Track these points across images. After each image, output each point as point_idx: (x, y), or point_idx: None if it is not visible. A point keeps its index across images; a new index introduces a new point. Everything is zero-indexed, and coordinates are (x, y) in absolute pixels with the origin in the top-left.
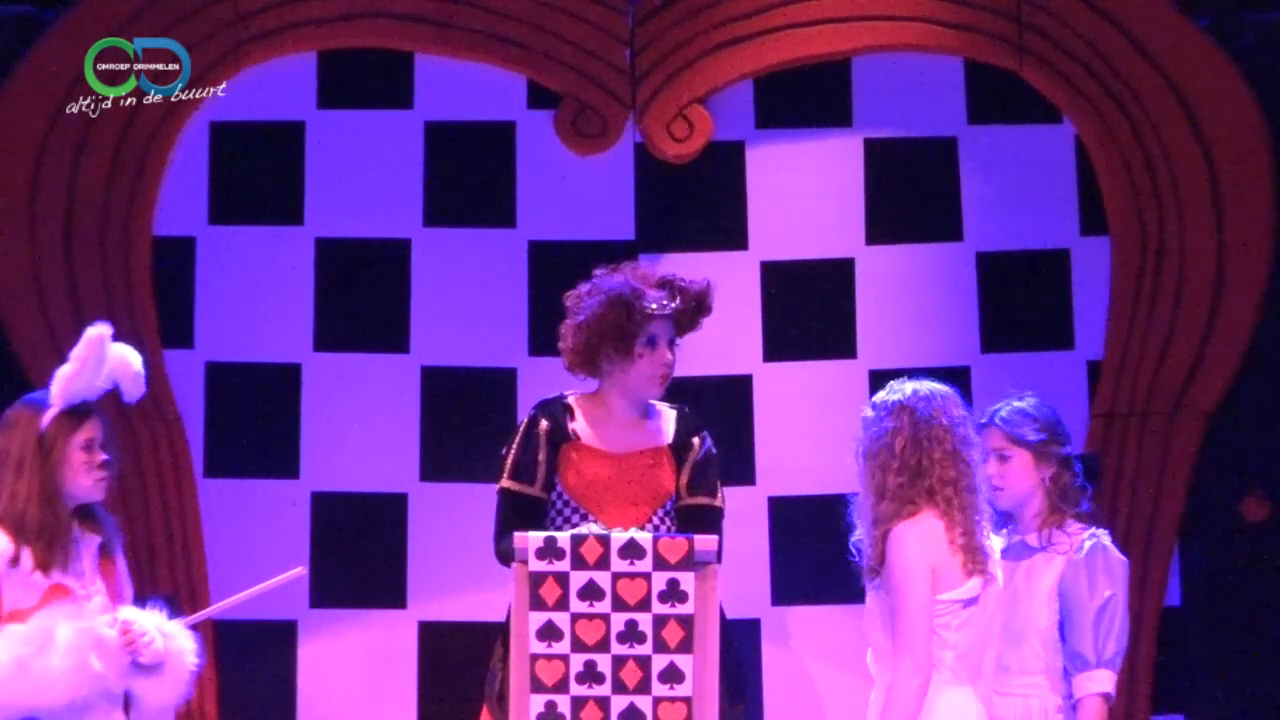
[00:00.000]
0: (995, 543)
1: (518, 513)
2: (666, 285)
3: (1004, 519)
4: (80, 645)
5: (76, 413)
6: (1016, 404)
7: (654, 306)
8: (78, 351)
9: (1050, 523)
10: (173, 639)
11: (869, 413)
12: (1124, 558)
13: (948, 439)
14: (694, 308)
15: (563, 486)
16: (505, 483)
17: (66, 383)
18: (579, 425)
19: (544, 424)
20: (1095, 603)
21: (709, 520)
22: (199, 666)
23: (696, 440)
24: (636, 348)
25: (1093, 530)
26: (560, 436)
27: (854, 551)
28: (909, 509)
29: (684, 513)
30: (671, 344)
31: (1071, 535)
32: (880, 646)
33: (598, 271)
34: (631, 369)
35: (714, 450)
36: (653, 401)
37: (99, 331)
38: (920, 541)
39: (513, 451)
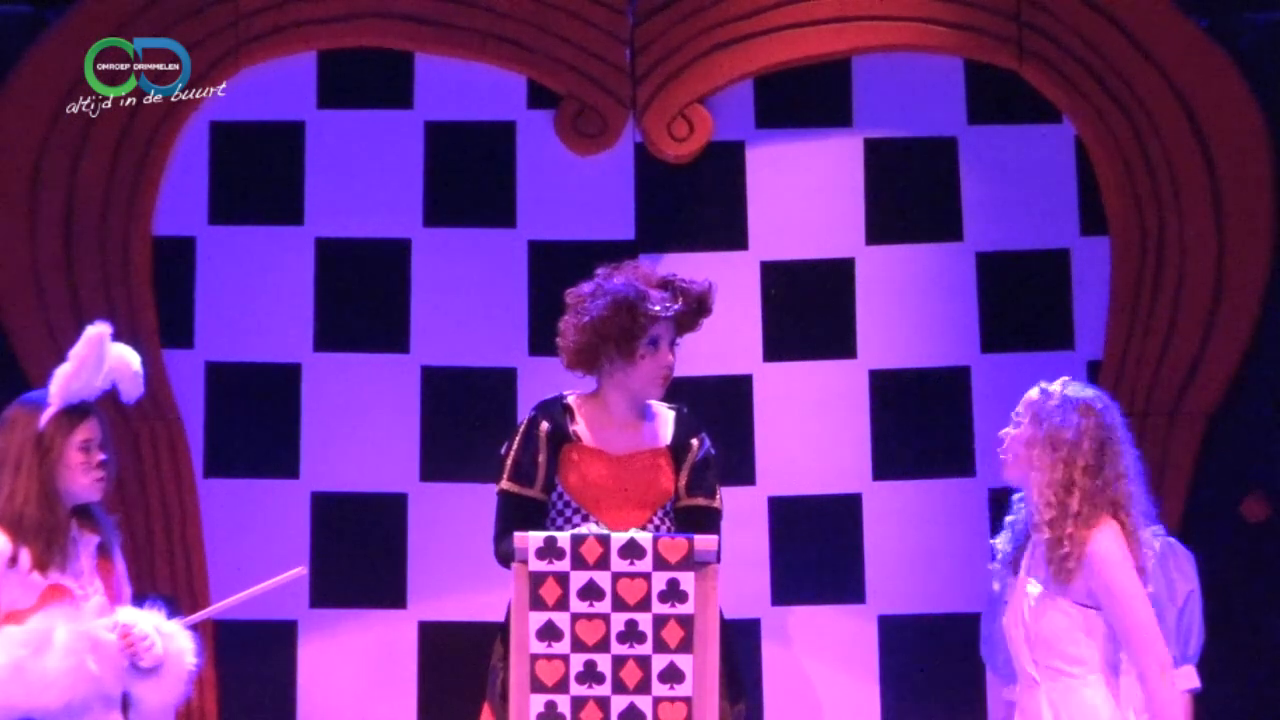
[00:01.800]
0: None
1: (517, 515)
2: (668, 286)
3: None
4: (78, 647)
5: (75, 412)
6: None
7: (657, 308)
8: (77, 351)
9: None
10: (172, 640)
11: (1051, 401)
12: (1190, 552)
13: (1127, 453)
14: (695, 309)
15: (563, 487)
16: (505, 484)
17: (65, 382)
18: (579, 426)
19: (545, 425)
20: (1176, 604)
21: (707, 522)
22: (198, 667)
23: (695, 441)
24: (639, 349)
25: (1153, 528)
26: (561, 437)
27: (1006, 545)
28: (1097, 515)
29: (682, 514)
30: (672, 345)
31: None
32: (1056, 650)
33: (599, 271)
34: (633, 370)
35: (712, 452)
36: (651, 402)
37: (99, 331)
38: (1122, 545)
39: (512, 453)
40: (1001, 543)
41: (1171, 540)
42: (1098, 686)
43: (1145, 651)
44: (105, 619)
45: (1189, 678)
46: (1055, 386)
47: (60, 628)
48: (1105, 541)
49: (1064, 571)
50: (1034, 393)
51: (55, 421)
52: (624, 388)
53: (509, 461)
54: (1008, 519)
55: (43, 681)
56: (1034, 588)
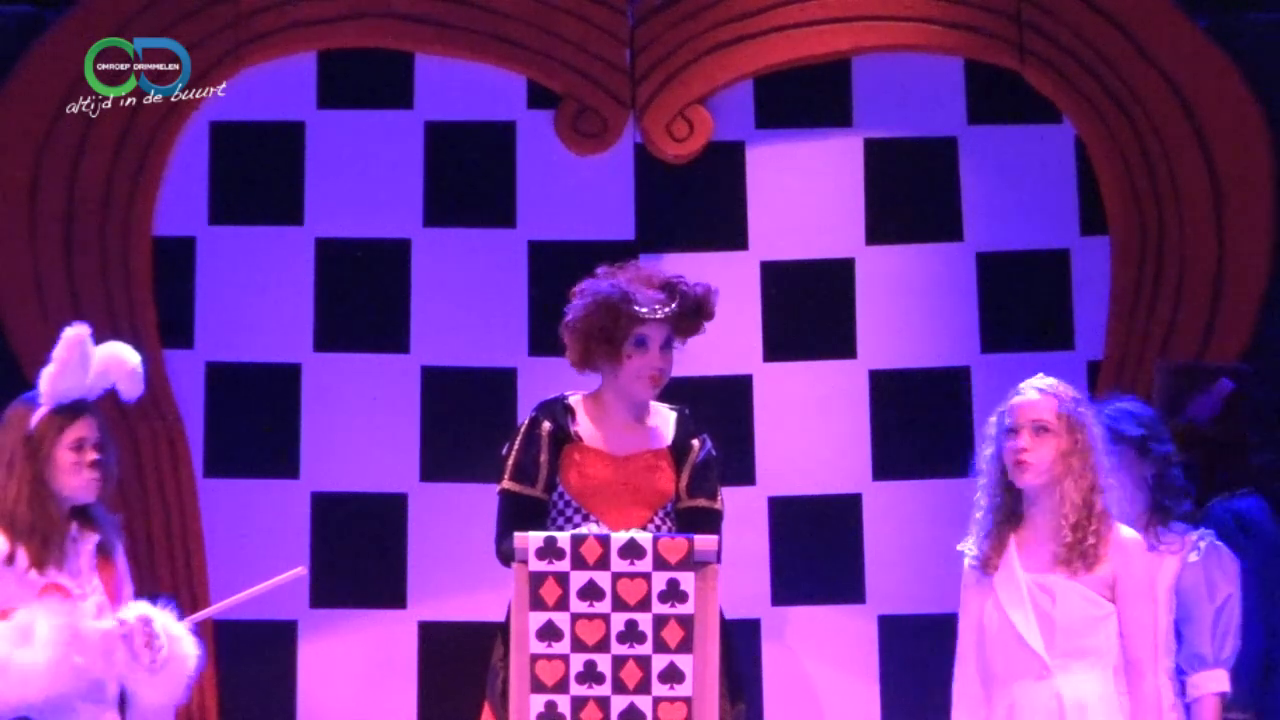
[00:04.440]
0: None
1: (519, 514)
2: (667, 288)
3: None
4: (60, 640)
5: (67, 412)
6: (1120, 405)
7: (643, 309)
8: (57, 352)
9: (1155, 522)
10: (178, 642)
11: (1081, 408)
12: (1235, 557)
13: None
14: (692, 312)
15: (564, 487)
16: (506, 484)
17: (51, 383)
18: (580, 426)
19: (546, 425)
20: (1215, 603)
21: (708, 523)
22: (199, 669)
23: (696, 443)
24: (625, 349)
25: (1201, 530)
26: (563, 437)
27: (976, 547)
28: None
29: (683, 515)
30: (666, 346)
31: (1179, 535)
32: (1077, 639)
33: (600, 270)
34: (621, 370)
35: (714, 453)
36: (654, 403)
37: (77, 332)
38: None
39: (514, 453)
40: (972, 546)
41: (1217, 543)
42: (1108, 679)
43: (1155, 648)
44: (124, 609)
45: (1220, 681)
46: (1064, 387)
47: (42, 621)
48: (1134, 534)
49: (1086, 561)
50: (1049, 403)
51: (46, 421)
52: (617, 388)
53: (510, 461)
54: (977, 521)
55: (26, 675)
56: (1056, 579)
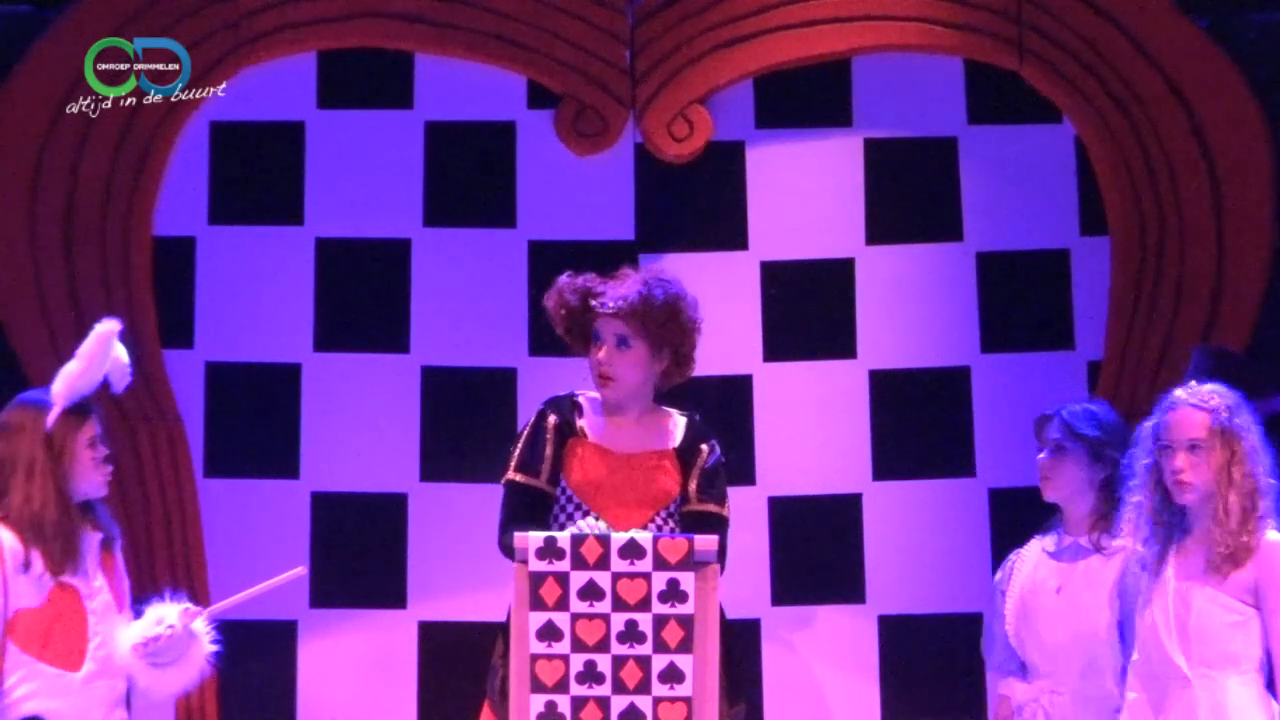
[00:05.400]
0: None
1: (523, 505)
2: (640, 284)
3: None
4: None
5: (78, 411)
6: (1086, 405)
7: (595, 303)
8: (86, 349)
9: (1099, 526)
10: (196, 637)
11: (1236, 418)
12: None
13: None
14: (643, 311)
15: (567, 483)
16: (511, 475)
17: (72, 380)
18: (586, 423)
19: (552, 419)
20: None
21: (714, 529)
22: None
23: (705, 447)
24: (590, 344)
25: None
26: (568, 431)
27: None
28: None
29: (689, 518)
30: (623, 345)
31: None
32: (1215, 647)
33: (621, 271)
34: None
35: (722, 459)
36: (665, 406)
37: (108, 328)
38: None
39: (520, 444)
40: (1130, 542)
41: None
42: (1252, 685)
43: None
44: (161, 609)
45: None
46: (1218, 397)
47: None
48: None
49: (1235, 562)
50: (1202, 418)
51: (63, 421)
52: None
53: (516, 452)
54: (1131, 521)
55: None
56: (1195, 587)
